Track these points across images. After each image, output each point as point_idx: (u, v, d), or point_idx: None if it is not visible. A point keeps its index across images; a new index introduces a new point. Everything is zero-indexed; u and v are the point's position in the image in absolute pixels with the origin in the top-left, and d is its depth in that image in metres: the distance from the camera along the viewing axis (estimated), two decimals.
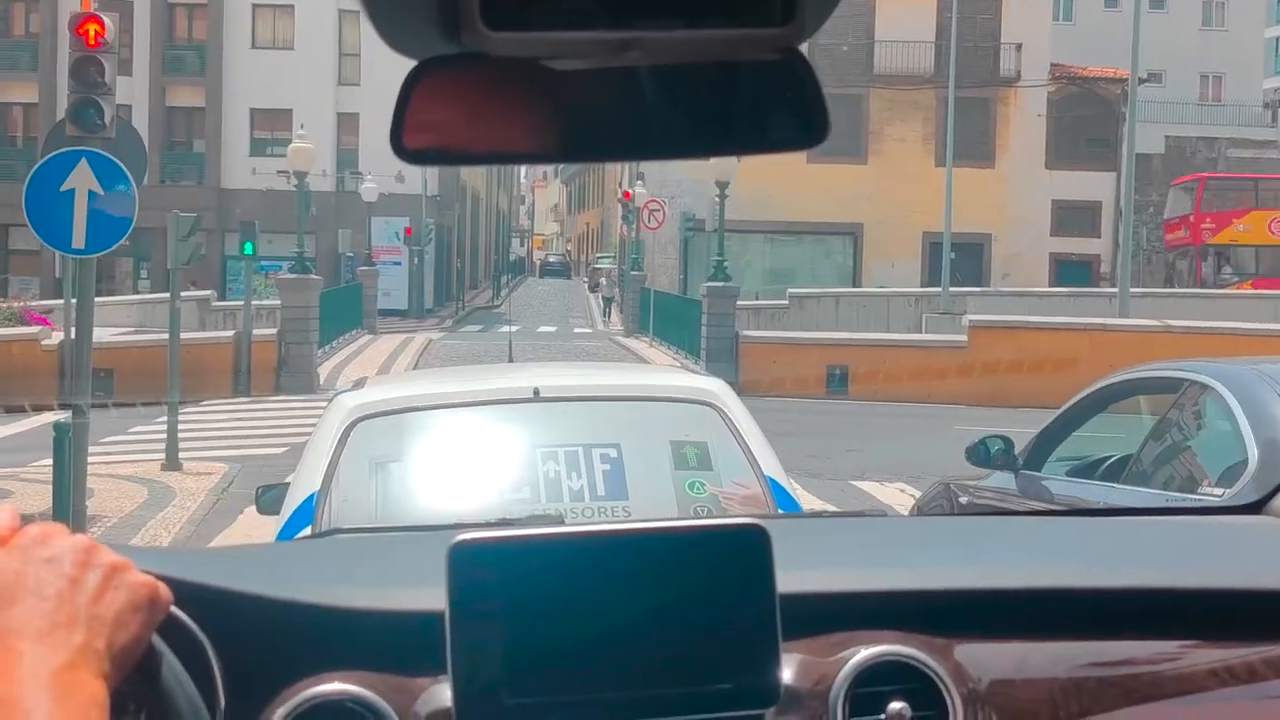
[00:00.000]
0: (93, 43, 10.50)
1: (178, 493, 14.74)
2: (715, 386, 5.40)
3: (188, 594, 1.80)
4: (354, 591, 1.92)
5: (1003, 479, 7.62)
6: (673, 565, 1.79)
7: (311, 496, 4.78)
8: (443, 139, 1.23)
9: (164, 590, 1.43)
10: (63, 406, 15.11)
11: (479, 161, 1.31)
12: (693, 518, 4.06)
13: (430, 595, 1.80)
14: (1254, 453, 5.71)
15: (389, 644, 1.85)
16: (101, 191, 10.47)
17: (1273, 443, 5.66)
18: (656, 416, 5.15)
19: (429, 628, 1.78)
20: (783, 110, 1.23)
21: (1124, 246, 27.97)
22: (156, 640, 1.62)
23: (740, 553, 1.80)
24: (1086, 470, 7.34)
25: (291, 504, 4.90)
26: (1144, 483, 6.49)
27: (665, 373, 7.04)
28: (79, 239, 10.51)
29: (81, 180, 10.46)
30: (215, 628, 1.79)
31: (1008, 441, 7.60)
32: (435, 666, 1.79)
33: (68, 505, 10.64)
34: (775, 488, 4.96)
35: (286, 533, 4.76)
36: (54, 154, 10.63)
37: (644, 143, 1.27)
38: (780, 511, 4.73)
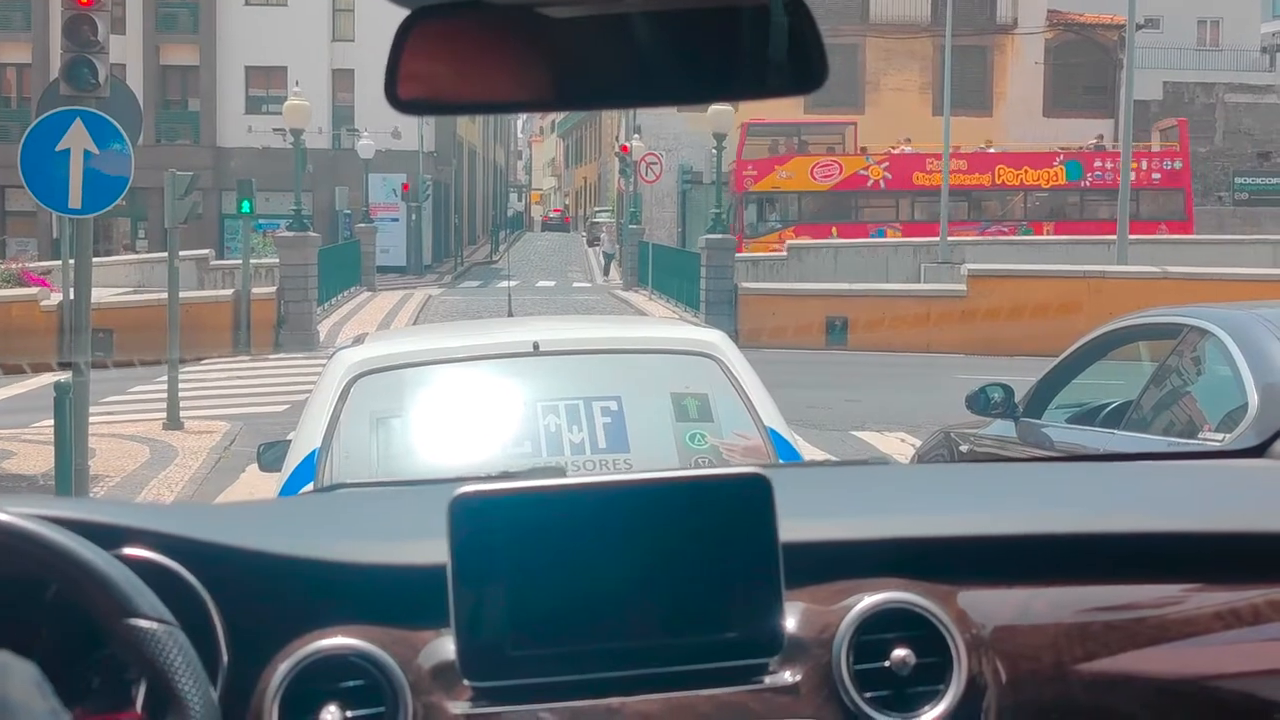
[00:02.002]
0: (85, 0, 10.45)
1: (179, 451, 14.77)
2: (715, 338, 5.39)
3: (189, 550, 1.85)
4: (356, 546, 1.93)
5: (1003, 427, 7.63)
6: (675, 515, 1.80)
7: (313, 453, 4.77)
8: (436, 87, 1.23)
9: None
10: (62, 365, 15.11)
11: (473, 110, 1.32)
12: (694, 469, 4.08)
13: (433, 549, 1.80)
14: (1254, 397, 5.70)
15: (392, 598, 1.85)
16: (97, 151, 10.45)
17: (1273, 387, 5.65)
18: (657, 369, 5.14)
19: (432, 581, 1.79)
20: (781, 56, 1.22)
21: (1123, 193, 27.89)
22: (166, 619, 1.66)
23: (742, 502, 1.80)
24: (1086, 417, 7.34)
25: (293, 461, 4.91)
26: (1144, 429, 6.49)
27: (665, 325, 7.02)
28: (75, 199, 10.50)
29: (77, 140, 10.43)
30: (217, 584, 1.82)
31: (1008, 389, 7.59)
32: (439, 619, 1.79)
33: (69, 465, 10.66)
34: (776, 439, 4.94)
35: (288, 490, 4.77)
36: (48, 114, 10.60)
37: (640, 89, 1.26)
38: (782, 461, 4.73)
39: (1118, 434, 6.61)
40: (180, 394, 16.73)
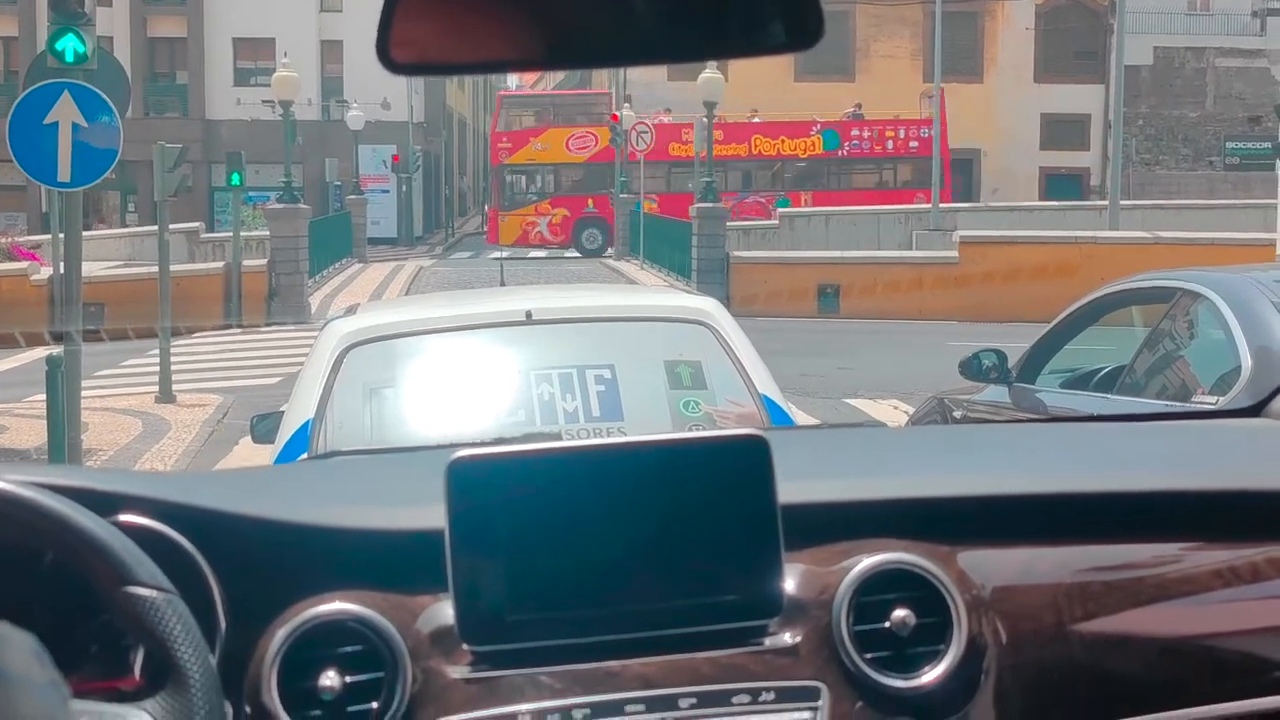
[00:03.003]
0: None
1: (172, 424, 14.76)
2: (709, 306, 5.38)
3: (184, 517, 1.84)
4: (353, 511, 1.93)
5: (996, 392, 7.64)
6: (673, 478, 1.80)
7: (306, 424, 4.77)
8: (429, 47, 1.20)
9: None
10: (54, 337, 15.09)
11: (466, 70, 1.29)
12: (693, 432, 4.09)
13: (430, 513, 1.80)
14: (1247, 360, 5.70)
15: (389, 563, 1.85)
16: (85, 124, 10.38)
17: (1266, 349, 5.65)
18: (650, 337, 5.15)
19: (429, 546, 1.78)
20: (775, 11, 1.21)
21: (1114, 159, 27.92)
22: (164, 586, 1.65)
23: (741, 464, 1.80)
24: (1080, 382, 7.34)
25: (286, 432, 4.91)
26: (1138, 393, 6.50)
27: (658, 293, 7.08)
28: (64, 172, 10.44)
29: (65, 113, 10.37)
30: (213, 551, 1.81)
31: (1001, 355, 7.60)
32: (436, 584, 1.79)
33: (62, 439, 10.64)
34: (771, 406, 4.95)
35: (282, 461, 4.76)
36: (36, 87, 10.54)
37: (633, 48, 1.24)
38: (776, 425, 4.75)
39: (1112, 398, 6.62)
40: (172, 367, 16.71)
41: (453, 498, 1.76)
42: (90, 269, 26.37)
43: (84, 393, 14.05)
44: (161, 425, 14.72)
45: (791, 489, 1.84)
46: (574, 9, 1.18)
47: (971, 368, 7.66)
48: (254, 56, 49.56)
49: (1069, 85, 47.94)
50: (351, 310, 5.62)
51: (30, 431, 13.55)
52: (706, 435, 1.95)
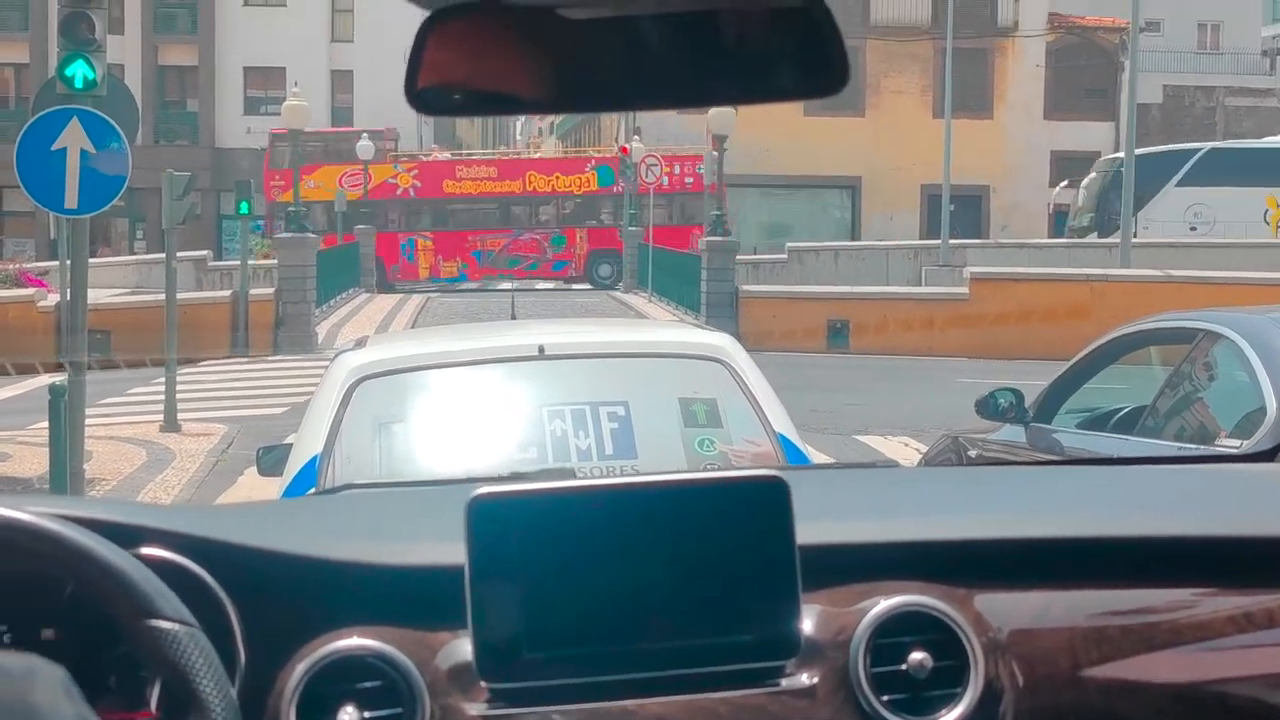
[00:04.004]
0: None
1: (177, 454, 14.64)
2: (724, 342, 5.30)
3: (205, 551, 1.85)
4: (372, 547, 1.94)
5: (1012, 432, 7.53)
6: (693, 518, 1.80)
7: (314, 459, 4.70)
8: (456, 88, 1.21)
9: None
10: (60, 364, 15.00)
11: (493, 111, 1.30)
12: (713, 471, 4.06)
13: (448, 550, 1.80)
14: (1273, 403, 5.62)
15: (408, 598, 1.85)
16: (93, 150, 10.32)
17: None
18: (664, 373, 5.07)
19: (448, 582, 1.79)
20: (802, 58, 1.21)
21: (1126, 196, 27.78)
22: (187, 619, 1.67)
23: (760, 505, 1.81)
24: (1098, 422, 7.25)
25: (294, 466, 4.83)
26: (1159, 435, 6.40)
27: (673, 328, 7.01)
28: (71, 199, 10.37)
29: (73, 139, 10.30)
30: (233, 585, 1.82)
31: (1018, 394, 7.50)
32: (455, 620, 1.79)
33: (65, 469, 10.53)
34: (787, 445, 4.85)
35: (290, 495, 4.67)
36: (45, 113, 10.48)
37: (659, 91, 1.25)
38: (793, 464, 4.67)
39: (1131, 440, 6.52)
40: (178, 396, 16.61)
41: (473, 534, 1.75)
42: (97, 296, 26.33)
43: (89, 421, 13.94)
44: (166, 455, 14.61)
45: (809, 530, 1.84)
46: (601, 53, 1.18)
47: (988, 407, 7.54)
48: (264, 85, 49.65)
49: (1079, 122, 47.88)
50: (361, 343, 5.56)
51: (33, 459, 13.44)
52: (727, 475, 1.95)
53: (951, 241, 34.16)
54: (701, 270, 28.25)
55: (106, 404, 17.90)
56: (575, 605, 1.77)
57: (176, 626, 1.66)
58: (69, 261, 11.39)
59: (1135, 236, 36.83)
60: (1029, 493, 2.41)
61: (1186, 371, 6.55)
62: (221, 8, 50.35)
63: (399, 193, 40.11)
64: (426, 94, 1.22)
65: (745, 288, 28.48)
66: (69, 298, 11.21)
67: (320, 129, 43.02)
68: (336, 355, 5.37)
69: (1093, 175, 39.60)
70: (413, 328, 27.50)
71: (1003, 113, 48.57)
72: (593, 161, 43.05)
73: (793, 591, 1.80)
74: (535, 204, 42.88)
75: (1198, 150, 38.65)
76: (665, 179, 42.31)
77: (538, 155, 42.95)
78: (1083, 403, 7.60)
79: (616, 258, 42.33)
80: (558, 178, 43.07)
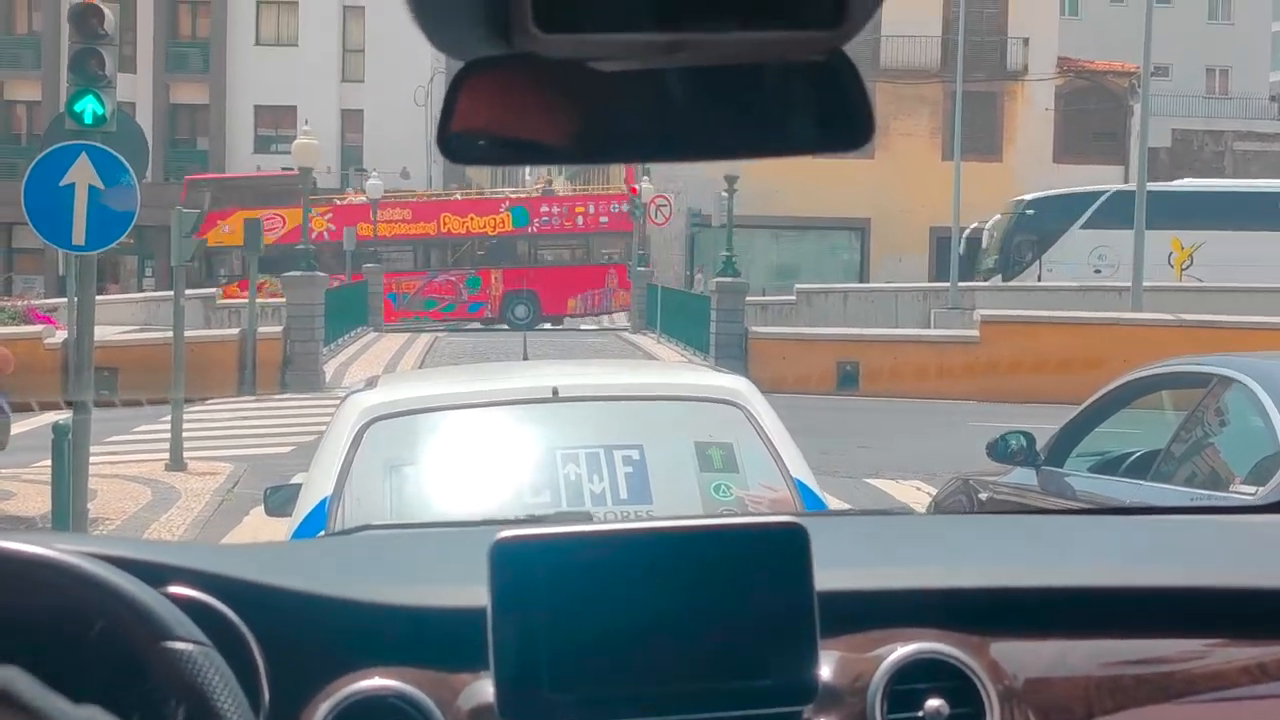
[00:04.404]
0: None
1: (182, 493, 14.53)
2: (740, 385, 5.22)
3: (232, 589, 1.88)
4: (394, 588, 1.96)
5: (1024, 475, 7.50)
6: (713, 563, 1.82)
7: (324, 501, 4.61)
8: (488, 138, 1.23)
9: None
10: (66, 403, 14.91)
11: (523, 160, 1.32)
12: (733, 516, 3.98)
13: (469, 592, 1.82)
14: None
15: (430, 640, 1.88)
16: (102, 186, 10.24)
17: None
18: (680, 417, 4.99)
19: (469, 623, 1.81)
20: (828, 112, 1.24)
21: (1137, 240, 27.71)
22: (201, 640, 1.70)
23: (779, 551, 1.83)
24: (1110, 466, 7.24)
25: (304, 508, 4.74)
26: (1172, 480, 6.40)
27: (688, 371, 6.83)
28: (79, 235, 10.29)
29: (82, 175, 10.23)
30: (259, 623, 1.84)
31: (1029, 437, 7.47)
32: (476, 662, 1.81)
33: (67, 508, 10.41)
34: (804, 490, 4.76)
35: (299, 537, 4.58)
36: (53, 148, 10.41)
37: (688, 144, 1.27)
38: (810, 511, 4.58)
39: (1144, 485, 6.53)
40: (184, 434, 16.51)
41: (496, 577, 1.77)
42: (105, 333, 26.26)
43: (94, 459, 13.82)
44: (171, 494, 14.49)
45: (827, 576, 1.86)
46: (631, 105, 1.20)
47: (999, 450, 7.52)
48: (275, 124, 49.77)
49: (1088, 166, 47.84)
50: (372, 383, 5.45)
51: (38, 497, 13.32)
52: (747, 521, 2.01)
53: (961, 284, 34.06)
54: (711, 311, 28.15)
55: (112, 441, 17.80)
56: (596, 648, 1.79)
57: (190, 646, 1.69)
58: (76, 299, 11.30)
59: (1039, 279, 37.11)
60: (1045, 541, 2.42)
61: (1200, 417, 6.52)
62: (233, 47, 50.54)
63: (314, 236, 39.79)
64: (456, 143, 1.23)
65: (755, 329, 28.38)
66: (75, 336, 11.12)
67: (240, 174, 42.91)
68: (347, 396, 5.28)
69: (998, 217, 39.73)
70: (421, 367, 27.42)
71: (1012, 156, 48.58)
72: (506, 202, 42.87)
73: (811, 638, 1.81)
74: (450, 245, 42.62)
75: (1103, 193, 38.77)
76: (580, 218, 42.33)
77: (457, 197, 42.64)
78: (1095, 446, 7.57)
79: (532, 298, 42.30)
80: (472, 219, 42.92)
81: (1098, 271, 37.48)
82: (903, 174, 45.84)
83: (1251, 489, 5.74)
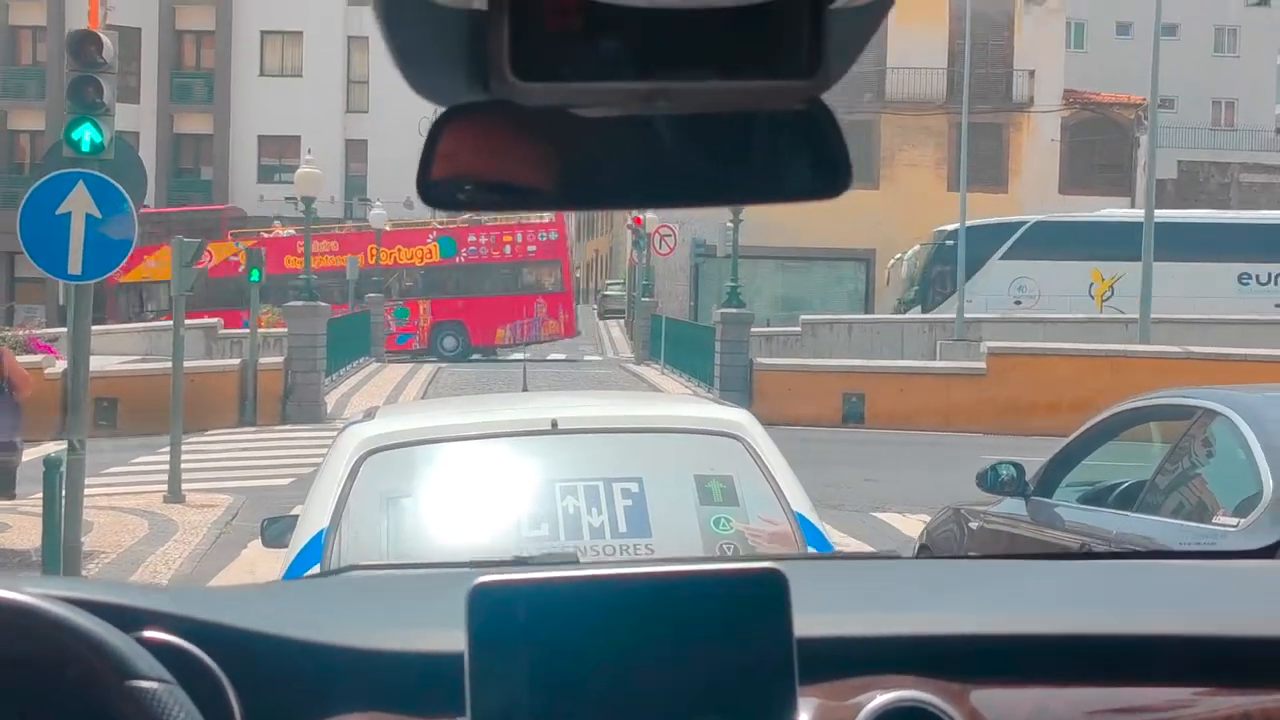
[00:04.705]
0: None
1: (179, 526, 14.34)
2: (741, 418, 5.18)
3: (206, 633, 1.86)
4: (372, 632, 1.95)
5: (1013, 505, 7.57)
6: (691, 608, 1.80)
7: (321, 533, 4.57)
8: (469, 184, 1.24)
9: None
10: (60, 439, 14.75)
11: (505, 207, 1.33)
12: (712, 560, 3.87)
13: (448, 636, 1.80)
14: (1269, 482, 5.74)
15: (407, 685, 1.87)
16: (99, 215, 10.07)
17: None
18: (680, 449, 4.95)
19: (447, 668, 1.78)
20: (806, 160, 1.25)
21: (1145, 271, 27.55)
22: (167, 679, 1.71)
23: (759, 597, 1.81)
24: (1098, 497, 7.30)
25: (300, 540, 4.69)
26: (1157, 511, 6.48)
27: (688, 403, 6.73)
28: (75, 265, 10.11)
29: (78, 203, 10.06)
30: (235, 668, 1.82)
31: (1019, 467, 7.55)
32: (454, 707, 1.79)
33: (57, 543, 10.21)
34: (804, 524, 4.71)
35: (294, 570, 4.54)
36: (49, 176, 10.25)
37: (668, 190, 1.28)
38: (809, 548, 4.61)
39: (1131, 516, 6.62)
40: (183, 466, 16.34)
41: (474, 622, 1.75)
42: (105, 363, 26.14)
43: (92, 490, 13.61)
44: (168, 527, 14.30)
45: (807, 622, 1.84)
46: (611, 152, 1.21)
47: (988, 480, 7.58)
48: (279, 154, 49.77)
49: (1095, 197, 47.71)
50: (370, 414, 5.37)
51: (33, 530, 13.09)
52: (725, 567, 1.95)
53: (966, 315, 33.90)
54: (715, 342, 27.98)
55: (110, 473, 17.63)
56: (573, 694, 1.77)
57: (155, 685, 1.69)
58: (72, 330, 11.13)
59: (959, 312, 37.03)
60: (1028, 587, 2.42)
61: (1185, 448, 6.63)
62: (237, 78, 50.60)
63: (240, 271, 39.34)
64: (437, 189, 1.23)
65: (760, 360, 28.19)
66: (71, 372, 10.94)
67: (165, 209, 42.73)
68: (345, 427, 5.22)
69: (918, 247, 39.67)
70: (423, 398, 27.24)
71: (1017, 187, 48.50)
72: (434, 233, 42.60)
73: (790, 684, 1.79)
74: (377, 276, 42.15)
75: (1023, 223, 38.67)
76: (508, 248, 42.16)
77: (386, 228, 42.31)
78: (1084, 476, 7.63)
79: (460, 329, 42.12)
80: (400, 250, 42.69)
81: (1018, 302, 37.44)
82: (908, 205, 45.73)
83: (1234, 521, 5.85)
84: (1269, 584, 2.52)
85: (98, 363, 25.85)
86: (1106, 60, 56.24)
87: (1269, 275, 35.07)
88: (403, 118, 47.35)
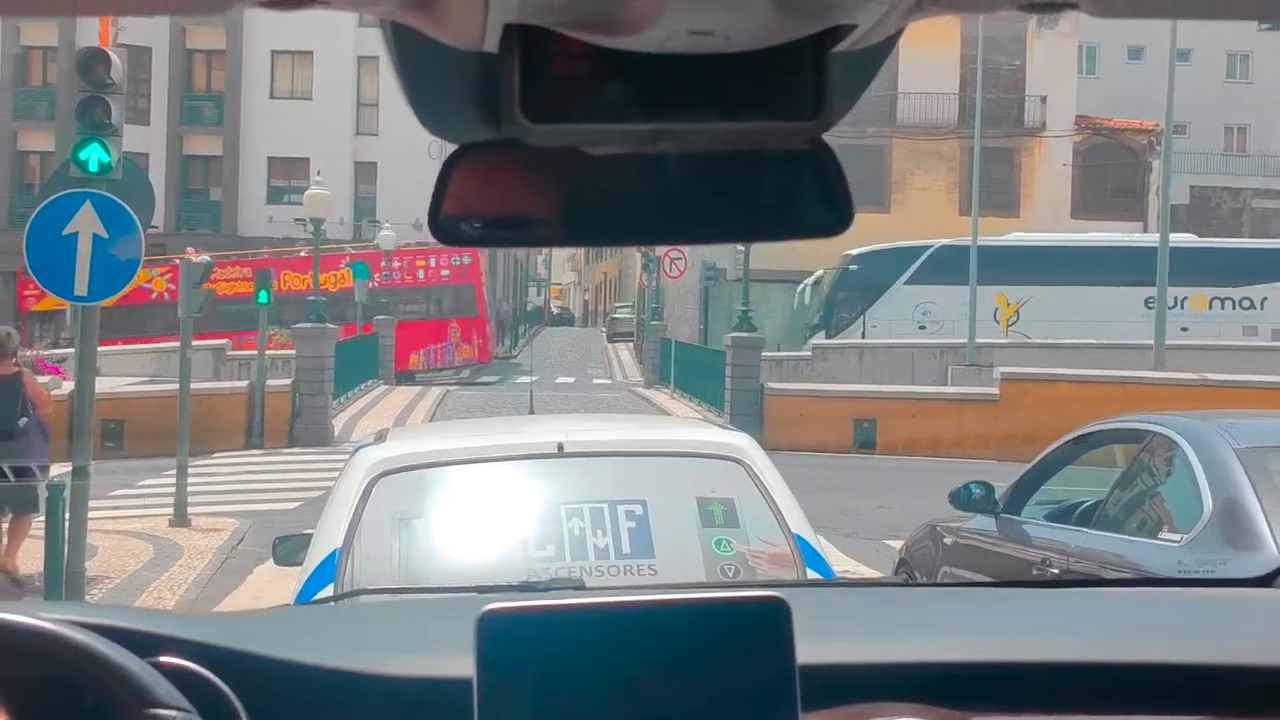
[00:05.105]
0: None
1: (185, 551, 14.16)
2: (742, 442, 5.34)
3: (221, 658, 1.89)
4: (383, 657, 1.98)
5: (984, 521, 8.09)
6: (695, 635, 1.82)
7: (334, 553, 4.72)
8: (479, 220, 1.26)
9: None
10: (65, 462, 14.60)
11: (516, 243, 1.34)
12: (716, 588, 3.95)
13: (457, 662, 1.82)
14: (1209, 501, 6.26)
15: (418, 710, 1.90)
16: (106, 235, 9.93)
17: (1225, 492, 6.22)
18: (682, 472, 5.11)
19: (456, 694, 1.80)
20: (808, 198, 1.27)
21: (1160, 297, 27.36)
22: (185, 707, 1.74)
23: (761, 625, 1.82)
24: (1063, 515, 7.74)
25: (314, 560, 4.85)
26: (1111, 528, 7.00)
27: (691, 427, 6.93)
28: (81, 285, 9.96)
29: (85, 223, 9.91)
30: (247, 692, 1.85)
31: (988, 486, 8.12)
32: None
33: (59, 570, 10.05)
34: (804, 546, 4.89)
35: (308, 590, 4.72)
36: (56, 196, 10.10)
37: (672, 228, 1.32)
38: (808, 569, 4.80)
39: (1088, 532, 7.13)
40: (189, 489, 16.17)
41: (482, 648, 1.76)
42: (114, 385, 26.00)
43: (97, 514, 13.42)
44: (173, 551, 14.13)
45: (808, 648, 1.85)
46: (621, 189, 1.23)
47: (960, 498, 8.15)
48: (288, 175, 49.69)
49: (1107, 222, 47.53)
50: (381, 436, 5.56)
51: (36, 554, 12.92)
52: (728, 595, 1.95)
53: (978, 340, 33.71)
54: (726, 367, 27.79)
55: (116, 496, 17.47)
56: (581, 719, 1.79)
57: (174, 713, 1.72)
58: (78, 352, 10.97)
59: (863, 336, 36.81)
60: (1027, 615, 2.45)
61: (1137, 470, 7.19)
62: (248, 100, 50.57)
63: (154, 297, 38.76)
64: (448, 225, 1.25)
65: (771, 385, 28.00)
66: (77, 394, 10.78)
67: None
68: (356, 450, 5.36)
69: (822, 272, 39.49)
70: (431, 421, 27.08)
71: (1029, 211, 48.31)
72: (347, 258, 42.20)
73: (792, 711, 1.81)
74: (289, 303, 40.78)
75: (927, 248, 38.25)
76: (421, 272, 41.84)
77: (302, 253, 41.64)
78: (1057, 494, 8.20)
79: None
80: (312, 275, 42.47)
81: (922, 328, 37.22)
82: (919, 229, 45.43)
83: (1178, 536, 6.38)
84: (1263, 612, 2.54)
85: (106, 384, 25.77)
86: (1118, 85, 56.07)
87: (1175, 299, 34.86)
88: (413, 140, 47.36)
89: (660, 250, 40.46)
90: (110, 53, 10.09)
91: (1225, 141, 61.04)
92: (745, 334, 28.02)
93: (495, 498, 5.00)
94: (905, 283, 38.13)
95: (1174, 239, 35.15)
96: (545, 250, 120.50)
